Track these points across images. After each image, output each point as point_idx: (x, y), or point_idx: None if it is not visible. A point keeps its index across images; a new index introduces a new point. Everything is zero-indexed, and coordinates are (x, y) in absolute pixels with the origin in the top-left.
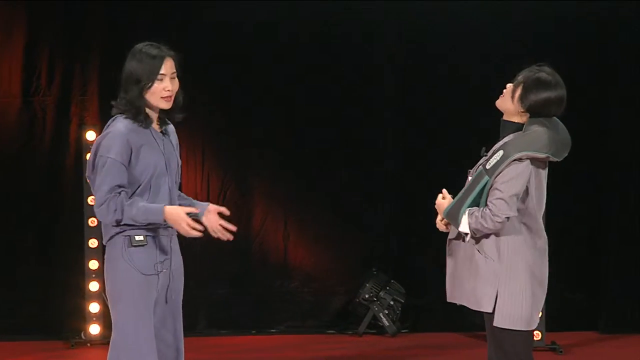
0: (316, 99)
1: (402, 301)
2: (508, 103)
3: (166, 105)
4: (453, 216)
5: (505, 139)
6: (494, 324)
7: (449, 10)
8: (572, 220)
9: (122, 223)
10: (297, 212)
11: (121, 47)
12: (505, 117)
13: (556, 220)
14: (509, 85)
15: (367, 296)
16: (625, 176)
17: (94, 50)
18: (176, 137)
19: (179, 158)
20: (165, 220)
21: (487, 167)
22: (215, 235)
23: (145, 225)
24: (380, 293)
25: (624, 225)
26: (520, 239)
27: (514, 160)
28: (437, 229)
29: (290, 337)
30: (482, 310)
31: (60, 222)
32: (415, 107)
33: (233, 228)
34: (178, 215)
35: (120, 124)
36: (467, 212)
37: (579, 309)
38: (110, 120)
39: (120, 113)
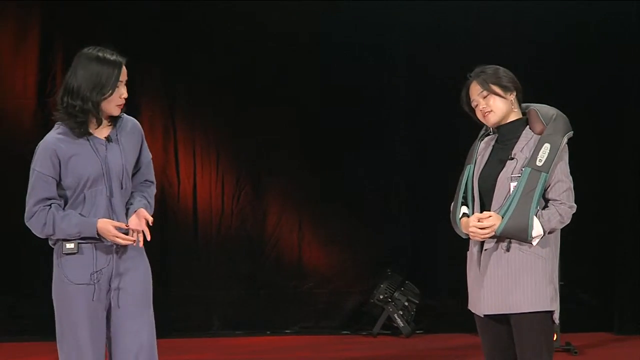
0: (330, 100)
1: (417, 302)
2: (502, 106)
3: (118, 112)
4: (519, 227)
5: (527, 135)
6: (556, 322)
7: (462, 10)
8: (587, 221)
9: (54, 237)
10: (312, 212)
11: (135, 49)
12: (503, 122)
13: (571, 221)
14: (485, 101)
15: (381, 297)
16: (637, 177)
17: None
18: (137, 131)
19: (140, 155)
20: (99, 234)
21: (539, 164)
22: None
23: (79, 237)
24: (395, 294)
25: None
26: (557, 232)
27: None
28: (459, 233)
29: (304, 338)
30: (545, 309)
31: None
32: (430, 107)
33: (148, 237)
34: (107, 230)
35: (50, 135)
36: (535, 216)
37: (594, 310)
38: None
39: (61, 120)
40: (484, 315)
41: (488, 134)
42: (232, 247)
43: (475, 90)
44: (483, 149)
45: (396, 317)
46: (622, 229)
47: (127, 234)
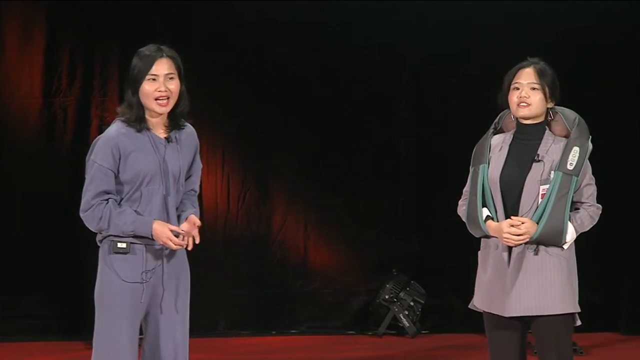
0: (335, 101)
1: (422, 302)
2: (541, 107)
3: (160, 108)
4: (555, 232)
5: (549, 137)
6: (578, 324)
7: (461, 9)
8: None
9: (107, 233)
10: (318, 212)
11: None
12: (528, 122)
13: None
14: (531, 92)
15: (387, 297)
16: None
17: (114, 51)
18: (193, 139)
19: (192, 163)
20: (152, 235)
21: (570, 167)
22: (180, 241)
23: (132, 236)
24: (401, 294)
25: None
26: None
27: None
28: (474, 233)
29: (310, 338)
30: (574, 311)
31: (81, 223)
32: (432, 108)
33: (197, 240)
34: (163, 232)
35: (112, 128)
36: (569, 221)
37: (600, 310)
38: (112, 122)
39: (121, 116)
40: (510, 317)
41: (497, 132)
42: (237, 247)
43: (529, 77)
44: (495, 147)
45: (402, 317)
46: (627, 228)
47: (177, 238)
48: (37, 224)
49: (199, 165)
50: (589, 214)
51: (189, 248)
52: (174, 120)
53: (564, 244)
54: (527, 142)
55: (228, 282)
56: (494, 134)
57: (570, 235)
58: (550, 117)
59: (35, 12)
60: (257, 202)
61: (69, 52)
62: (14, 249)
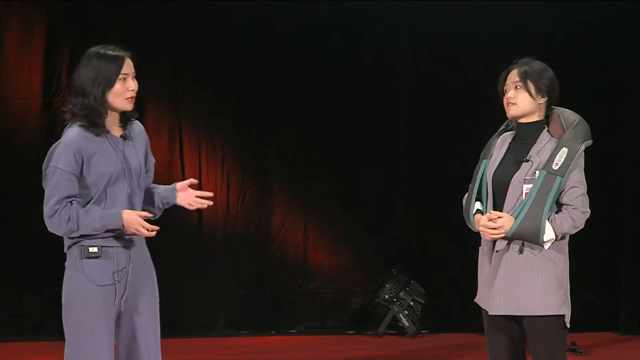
0: (335, 100)
1: (422, 302)
2: (528, 104)
3: (129, 106)
4: (531, 230)
5: (545, 137)
6: (568, 326)
7: (465, 9)
8: (593, 221)
9: (78, 234)
10: (317, 212)
11: (140, 49)
12: (523, 121)
13: None
14: (515, 92)
15: (387, 297)
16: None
17: None
18: (144, 135)
19: (146, 158)
20: (123, 225)
21: (555, 167)
22: (194, 208)
23: (103, 233)
24: (400, 294)
25: None
26: (567, 237)
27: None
28: (471, 227)
29: (309, 338)
30: (554, 313)
31: None
32: (432, 107)
33: (209, 194)
34: (134, 219)
35: (71, 133)
36: (548, 220)
37: (599, 310)
38: (65, 128)
39: (75, 120)
40: (493, 315)
41: (507, 130)
42: (237, 246)
43: (512, 77)
44: (499, 144)
45: (401, 316)
46: (626, 228)
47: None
48: (36, 224)
49: (152, 159)
50: (571, 217)
51: (211, 203)
52: (126, 118)
53: (543, 244)
54: (523, 141)
55: (227, 281)
56: (504, 132)
57: (549, 235)
58: (541, 116)
59: (34, 12)
60: (256, 202)
61: (68, 52)
62: (13, 248)
